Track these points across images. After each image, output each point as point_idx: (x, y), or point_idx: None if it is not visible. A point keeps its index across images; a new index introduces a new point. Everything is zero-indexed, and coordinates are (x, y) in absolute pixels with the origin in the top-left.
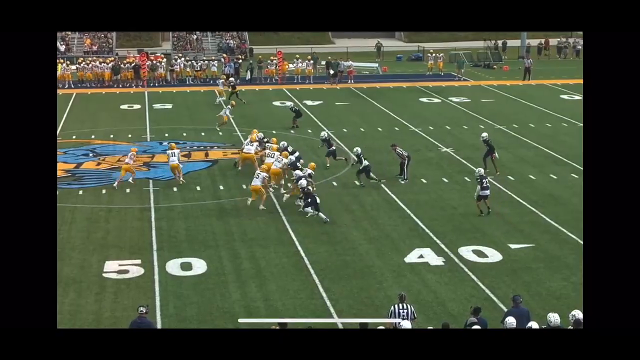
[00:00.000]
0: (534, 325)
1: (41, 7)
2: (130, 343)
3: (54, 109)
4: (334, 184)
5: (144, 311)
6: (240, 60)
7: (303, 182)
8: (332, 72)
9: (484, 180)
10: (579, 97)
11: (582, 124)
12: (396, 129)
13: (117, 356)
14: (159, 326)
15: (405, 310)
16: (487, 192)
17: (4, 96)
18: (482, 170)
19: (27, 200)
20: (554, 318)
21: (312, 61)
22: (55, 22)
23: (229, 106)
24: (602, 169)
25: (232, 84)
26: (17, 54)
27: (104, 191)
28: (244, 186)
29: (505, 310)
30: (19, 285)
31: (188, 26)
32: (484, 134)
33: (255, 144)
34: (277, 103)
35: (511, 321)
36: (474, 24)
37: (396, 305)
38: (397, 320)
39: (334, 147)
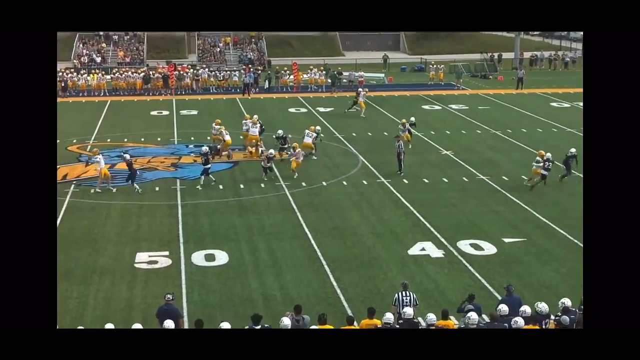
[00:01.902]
0: (526, 309)
1: (41, 7)
2: (129, 343)
3: (54, 108)
4: (344, 183)
5: (171, 298)
6: (260, 71)
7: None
8: (330, 81)
9: (549, 164)
10: (567, 104)
11: (570, 129)
12: (400, 133)
13: (116, 356)
14: (184, 312)
15: (408, 298)
16: (547, 173)
17: (4, 96)
18: (550, 156)
19: (28, 200)
20: (542, 307)
21: (324, 72)
22: (55, 22)
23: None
24: (602, 168)
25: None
26: (17, 54)
27: (137, 190)
28: (262, 185)
29: (500, 298)
30: (19, 285)
31: (189, 26)
32: (573, 150)
33: (258, 125)
34: (292, 109)
35: (504, 308)
36: (475, 24)
37: (400, 293)
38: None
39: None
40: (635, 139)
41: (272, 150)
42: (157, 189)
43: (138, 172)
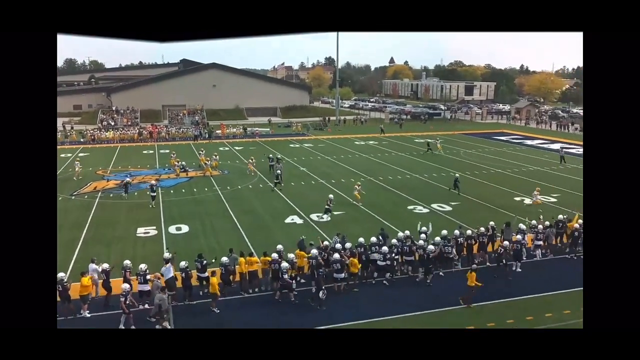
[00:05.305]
0: (348, 244)
1: (41, 7)
2: (128, 343)
3: (53, 109)
4: (250, 187)
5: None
6: (202, 127)
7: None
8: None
9: (331, 204)
10: (363, 142)
11: (366, 155)
12: (278, 158)
13: (116, 356)
14: (165, 255)
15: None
16: (330, 208)
17: (4, 96)
18: (332, 197)
19: (27, 201)
20: (347, 244)
21: (239, 128)
22: (55, 22)
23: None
24: (601, 169)
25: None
26: (17, 54)
27: (135, 194)
28: (206, 189)
29: (335, 243)
30: (19, 285)
31: (191, 32)
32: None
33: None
34: (221, 148)
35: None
36: (476, 24)
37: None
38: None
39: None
40: (634, 138)
41: (279, 171)
42: (148, 192)
43: (135, 185)
